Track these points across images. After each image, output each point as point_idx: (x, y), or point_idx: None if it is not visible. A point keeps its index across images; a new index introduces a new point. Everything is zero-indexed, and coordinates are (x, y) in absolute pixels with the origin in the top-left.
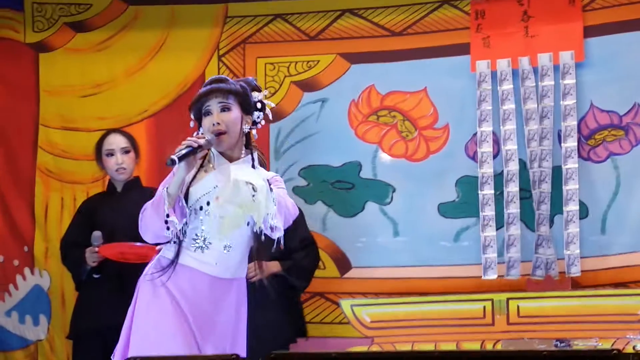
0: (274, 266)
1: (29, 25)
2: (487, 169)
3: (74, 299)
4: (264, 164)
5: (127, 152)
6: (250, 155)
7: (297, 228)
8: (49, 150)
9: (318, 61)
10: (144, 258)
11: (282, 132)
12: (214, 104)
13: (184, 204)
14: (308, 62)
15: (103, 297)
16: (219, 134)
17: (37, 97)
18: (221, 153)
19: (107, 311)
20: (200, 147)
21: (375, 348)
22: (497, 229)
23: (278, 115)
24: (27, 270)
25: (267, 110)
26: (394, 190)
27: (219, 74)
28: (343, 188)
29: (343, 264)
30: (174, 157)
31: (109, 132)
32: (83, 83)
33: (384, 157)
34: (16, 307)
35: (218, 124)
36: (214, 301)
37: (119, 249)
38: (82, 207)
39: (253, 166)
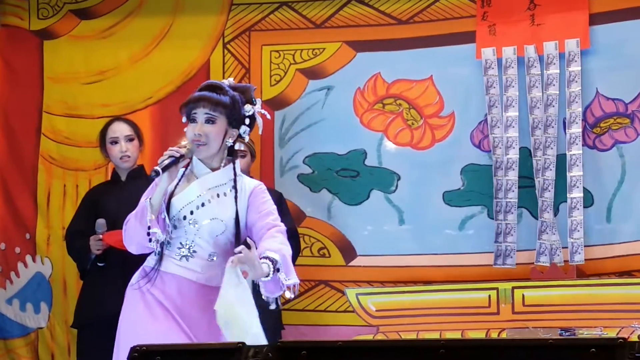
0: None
1: (34, 13)
2: (500, 154)
3: (76, 286)
4: (254, 153)
5: (131, 140)
6: (232, 164)
7: (282, 218)
8: (52, 137)
9: (324, 49)
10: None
11: (287, 120)
12: (200, 113)
13: (166, 216)
14: (314, 49)
15: (107, 286)
16: (198, 145)
17: (41, 84)
18: (201, 160)
19: (111, 300)
20: (182, 156)
21: (380, 337)
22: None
23: (283, 102)
24: (28, 258)
25: (259, 121)
26: (399, 179)
27: (224, 61)
28: (348, 176)
29: (348, 252)
30: (158, 168)
31: (113, 120)
32: (87, 70)
33: (389, 145)
34: (17, 295)
35: (200, 135)
36: (202, 308)
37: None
38: (86, 196)
39: (235, 181)
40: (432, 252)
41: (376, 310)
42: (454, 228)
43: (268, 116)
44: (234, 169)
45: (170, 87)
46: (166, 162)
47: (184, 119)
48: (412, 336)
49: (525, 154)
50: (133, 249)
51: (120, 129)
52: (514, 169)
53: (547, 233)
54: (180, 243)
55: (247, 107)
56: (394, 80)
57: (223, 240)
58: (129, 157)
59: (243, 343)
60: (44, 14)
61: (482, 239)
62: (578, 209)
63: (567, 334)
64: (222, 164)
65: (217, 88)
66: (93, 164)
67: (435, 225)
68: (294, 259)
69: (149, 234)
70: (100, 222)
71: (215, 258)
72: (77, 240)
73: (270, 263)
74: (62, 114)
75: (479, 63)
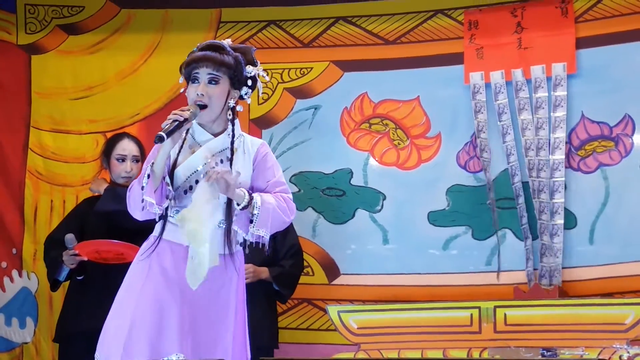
0: (263, 272)
1: (22, 27)
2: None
3: (62, 302)
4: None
5: (137, 161)
6: (231, 125)
7: (287, 234)
8: (39, 152)
9: (311, 68)
10: (122, 258)
11: (274, 139)
12: (203, 73)
13: (169, 182)
14: (301, 69)
15: (88, 300)
16: (201, 106)
17: (29, 99)
18: (202, 125)
19: (92, 314)
20: (186, 120)
21: (361, 355)
22: (484, 239)
23: (270, 121)
24: (15, 273)
25: (259, 84)
26: (384, 198)
27: None
28: (334, 195)
29: (332, 270)
30: (162, 134)
31: (122, 135)
32: (75, 85)
33: (375, 165)
34: (3, 310)
35: (202, 95)
36: (211, 276)
37: (95, 246)
38: (75, 208)
39: (232, 142)
40: (416, 271)
41: (358, 328)
42: (438, 248)
43: (267, 78)
44: (233, 130)
45: (157, 104)
46: (169, 127)
47: (181, 79)
48: (393, 354)
49: (506, 176)
50: (138, 215)
51: (130, 148)
52: (522, 195)
53: (547, 256)
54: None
55: (249, 68)
56: (380, 100)
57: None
58: (130, 177)
59: None
60: (31, 28)
61: (466, 259)
62: (559, 235)
63: (548, 353)
64: (224, 128)
65: (219, 48)
66: (80, 180)
67: (419, 245)
68: (296, 276)
69: (143, 200)
70: (69, 237)
71: (224, 225)
72: (53, 249)
73: (246, 194)
74: (49, 129)
75: (466, 85)
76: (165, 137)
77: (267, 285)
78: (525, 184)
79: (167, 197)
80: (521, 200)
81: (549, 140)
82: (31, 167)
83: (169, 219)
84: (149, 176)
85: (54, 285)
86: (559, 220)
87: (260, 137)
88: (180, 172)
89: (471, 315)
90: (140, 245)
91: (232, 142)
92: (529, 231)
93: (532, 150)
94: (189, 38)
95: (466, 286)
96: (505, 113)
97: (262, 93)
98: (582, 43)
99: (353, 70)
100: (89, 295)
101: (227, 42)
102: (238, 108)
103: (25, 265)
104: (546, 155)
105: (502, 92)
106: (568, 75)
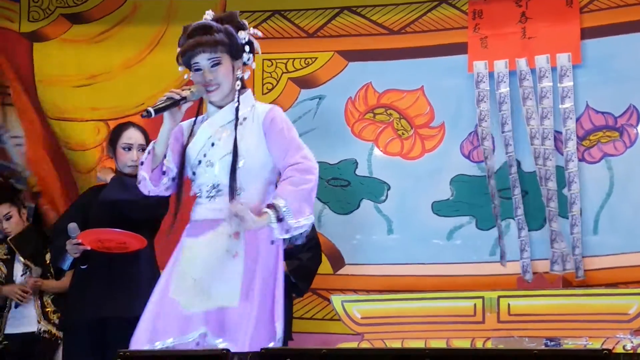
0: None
1: (25, 15)
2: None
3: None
4: None
5: (143, 149)
6: (237, 95)
7: None
8: None
9: (316, 58)
10: (125, 247)
11: None
12: (202, 60)
13: (167, 167)
14: (306, 59)
15: (92, 289)
16: (210, 90)
17: (33, 87)
18: (213, 103)
19: (95, 302)
20: (184, 98)
21: (365, 344)
22: (488, 229)
23: None
24: None
25: (256, 46)
26: (389, 188)
27: None
28: (339, 185)
29: (337, 261)
30: (150, 108)
31: (128, 124)
32: (78, 74)
33: (380, 155)
34: None
35: (210, 80)
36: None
37: (97, 235)
38: (80, 197)
39: (237, 110)
40: (420, 261)
41: (361, 318)
42: (442, 238)
43: (259, 34)
44: (237, 99)
45: (162, 94)
46: (161, 104)
47: (181, 68)
48: (397, 344)
49: (507, 166)
50: (144, 191)
51: (136, 137)
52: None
53: (557, 241)
54: (206, 185)
55: (241, 34)
56: (384, 90)
57: (243, 172)
58: (136, 166)
59: (227, 350)
60: (34, 16)
61: (470, 249)
62: (577, 225)
63: (552, 343)
64: (231, 99)
65: (208, 28)
66: (83, 167)
67: (423, 235)
68: (314, 269)
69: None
70: (72, 226)
71: (241, 193)
72: (58, 238)
73: (271, 212)
74: (53, 117)
75: (470, 75)
76: (152, 112)
77: (285, 279)
78: (529, 174)
79: (166, 177)
80: (517, 191)
81: (561, 131)
82: None
83: (197, 199)
84: (149, 152)
85: (58, 273)
86: (577, 211)
87: None
88: (190, 151)
89: (475, 305)
90: (144, 235)
91: (237, 110)
92: (524, 222)
93: (537, 139)
94: None
95: (470, 276)
96: (506, 103)
97: (267, 83)
98: (587, 33)
99: (357, 60)
100: (93, 285)
101: (209, 15)
102: (245, 76)
103: None
104: (551, 145)
105: (505, 82)
106: (573, 66)
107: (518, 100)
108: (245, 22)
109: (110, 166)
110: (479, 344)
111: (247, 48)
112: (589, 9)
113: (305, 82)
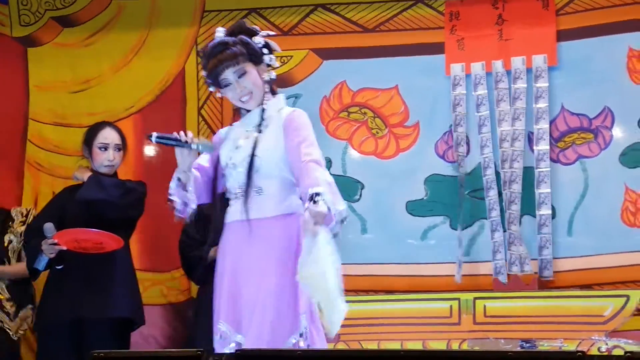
0: None
1: (15, 19)
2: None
3: None
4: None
5: (119, 149)
6: (262, 98)
7: None
8: (40, 145)
9: (291, 57)
10: (102, 247)
11: None
12: (229, 74)
13: (189, 199)
14: (281, 57)
15: (67, 290)
16: (245, 100)
17: (27, 91)
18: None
19: (70, 304)
20: (185, 143)
21: (341, 346)
22: (463, 229)
23: None
24: None
25: (273, 45)
26: (362, 187)
27: (197, 69)
28: None
29: None
30: (154, 134)
31: (103, 124)
32: (74, 79)
33: (354, 154)
34: None
35: (242, 92)
36: (254, 243)
37: (73, 235)
38: (56, 196)
39: (263, 112)
40: (394, 261)
41: None
42: (416, 238)
43: (272, 33)
44: (262, 102)
45: (150, 97)
46: (165, 138)
47: (211, 89)
48: (373, 346)
49: (481, 167)
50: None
51: (112, 137)
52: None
53: (515, 244)
54: (233, 188)
55: (256, 39)
56: (359, 88)
57: (264, 173)
58: (112, 166)
59: (202, 351)
60: (25, 20)
61: (444, 249)
62: (547, 226)
63: (527, 345)
64: (260, 102)
65: (224, 44)
66: None
67: (397, 235)
68: None
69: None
70: (48, 226)
71: (261, 193)
72: (33, 238)
73: (321, 199)
74: (50, 122)
75: (445, 74)
76: (153, 139)
77: None
78: (498, 176)
79: (188, 207)
80: (492, 193)
81: (530, 130)
82: (30, 158)
83: (229, 202)
84: (177, 181)
85: (34, 274)
86: (546, 211)
87: None
88: (221, 155)
89: (451, 306)
90: (120, 236)
91: (263, 112)
92: (499, 224)
93: (507, 141)
94: (174, 31)
95: (445, 276)
96: (484, 105)
97: None
98: (563, 35)
99: (332, 59)
100: (69, 285)
101: (220, 32)
102: (272, 76)
103: None
104: (521, 146)
105: (482, 84)
106: (548, 68)
107: (494, 103)
108: (256, 26)
109: (87, 165)
110: (454, 346)
111: (265, 50)
112: (565, 12)
113: (281, 81)
